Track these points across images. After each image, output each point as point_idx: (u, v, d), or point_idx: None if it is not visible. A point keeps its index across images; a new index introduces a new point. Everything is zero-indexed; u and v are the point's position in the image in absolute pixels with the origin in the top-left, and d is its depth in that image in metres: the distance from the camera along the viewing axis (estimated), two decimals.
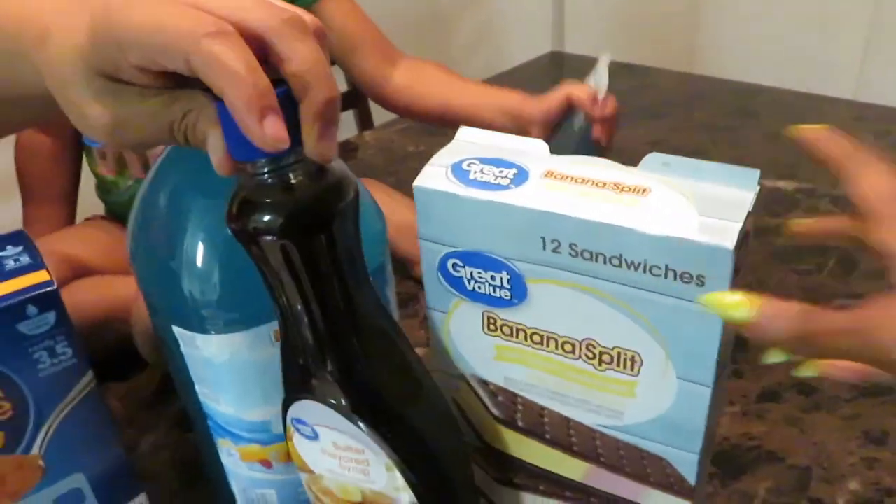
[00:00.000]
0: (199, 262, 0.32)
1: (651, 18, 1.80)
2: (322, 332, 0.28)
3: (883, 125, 0.89)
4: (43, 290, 0.31)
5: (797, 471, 0.44)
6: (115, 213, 0.70)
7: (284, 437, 0.32)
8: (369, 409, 0.29)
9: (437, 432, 0.31)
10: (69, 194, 0.74)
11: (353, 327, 0.28)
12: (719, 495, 0.43)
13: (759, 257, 0.65)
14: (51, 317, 0.31)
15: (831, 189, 0.74)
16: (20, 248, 0.33)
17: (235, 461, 0.37)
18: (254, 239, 0.25)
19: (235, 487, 0.39)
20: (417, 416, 0.30)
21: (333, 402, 0.28)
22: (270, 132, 0.22)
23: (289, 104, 0.23)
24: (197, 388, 0.35)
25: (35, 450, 0.33)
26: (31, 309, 0.31)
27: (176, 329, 0.33)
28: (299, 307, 0.27)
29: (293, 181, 0.25)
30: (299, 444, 0.32)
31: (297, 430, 0.31)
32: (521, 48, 1.55)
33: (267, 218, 0.25)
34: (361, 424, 0.28)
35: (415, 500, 0.30)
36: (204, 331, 0.33)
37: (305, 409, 0.30)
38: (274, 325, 0.32)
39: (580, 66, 1.18)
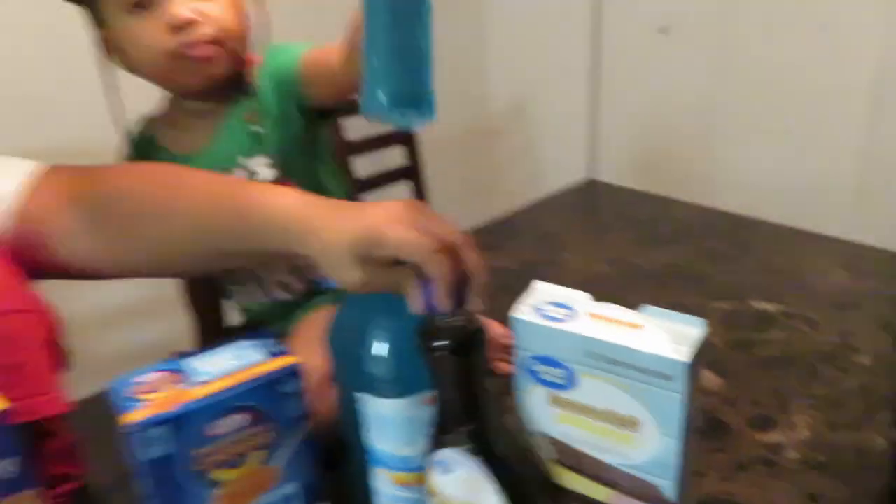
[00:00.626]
0: (380, 355, 0.54)
1: (672, 152, 2.07)
2: (461, 407, 0.50)
3: (871, 266, 1.09)
4: (292, 369, 0.54)
5: None
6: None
7: (424, 469, 0.54)
8: (486, 455, 0.50)
9: (524, 469, 0.52)
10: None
11: (478, 407, 0.50)
12: None
13: (741, 365, 0.85)
14: (297, 384, 0.54)
15: (807, 312, 0.94)
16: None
17: (386, 483, 0.58)
18: (435, 351, 0.48)
19: (381, 501, 0.59)
20: (511, 459, 0.51)
21: (468, 449, 0.50)
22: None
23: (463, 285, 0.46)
24: (369, 433, 0.57)
25: (277, 463, 0.55)
26: (288, 380, 0.53)
27: (359, 395, 0.55)
28: (451, 393, 0.49)
29: (459, 324, 0.48)
30: (437, 477, 0.53)
31: (437, 467, 0.53)
32: (555, 168, 1.82)
33: (445, 342, 0.47)
34: (482, 464, 0.50)
35: None
36: (379, 396, 0.55)
37: (446, 454, 0.51)
38: (423, 396, 0.54)
39: (615, 197, 1.43)
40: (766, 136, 1.93)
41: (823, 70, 1.80)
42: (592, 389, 0.50)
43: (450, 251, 0.47)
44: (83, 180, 0.67)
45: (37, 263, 0.66)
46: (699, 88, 2.04)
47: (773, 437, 0.73)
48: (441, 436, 0.51)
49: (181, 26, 0.71)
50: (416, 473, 0.57)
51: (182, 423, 0.49)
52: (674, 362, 0.46)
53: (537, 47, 2.27)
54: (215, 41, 0.73)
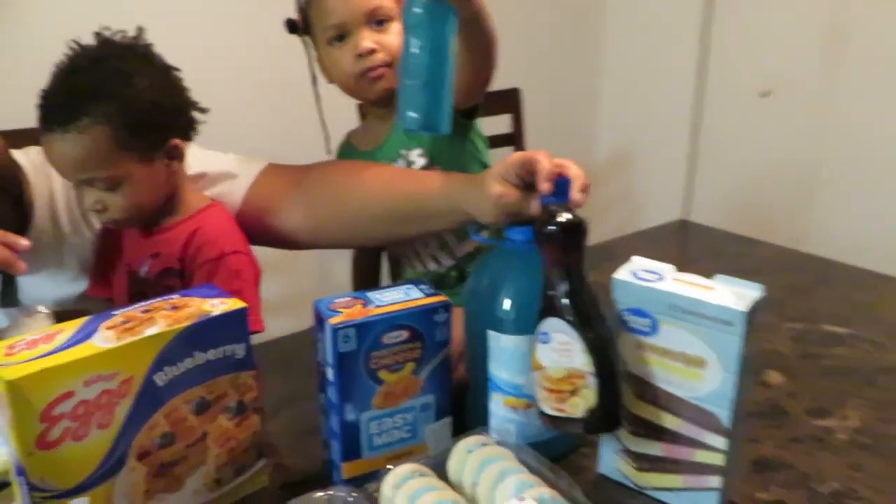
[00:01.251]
0: (508, 300, 0.72)
1: (768, 198, 2.18)
2: (565, 282, 0.66)
3: None
4: (443, 304, 0.72)
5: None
6: None
7: (532, 376, 0.70)
8: (581, 322, 0.66)
9: (609, 346, 0.68)
10: None
11: (581, 283, 0.67)
12: None
13: (807, 371, 0.97)
14: (446, 317, 0.72)
15: (874, 336, 1.05)
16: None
17: (499, 405, 0.75)
18: (547, 233, 0.66)
19: (492, 421, 0.76)
20: (601, 334, 0.67)
21: (566, 317, 0.66)
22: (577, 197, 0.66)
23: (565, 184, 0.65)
24: (490, 363, 0.74)
25: (422, 375, 0.73)
26: (439, 312, 0.72)
27: (490, 332, 0.73)
28: (557, 268, 0.66)
29: (568, 214, 0.66)
30: (540, 350, 0.69)
31: (541, 339, 0.69)
32: (653, 213, 1.95)
33: (556, 225, 0.65)
34: (576, 329, 0.66)
35: (594, 372, 0.66)
36: (503, 331, 0.72)
37: (548, 323, 0.67)
38: (533, 337, 0.71)
39: (706, 235, 1.56)
40: (857, 192, 2.03)
41: None
42: (670, 335, 0.66)
43: (543, 154, 0.69)
44: (300, 170, 0.93)
45: (253, 231, 0.89)
46: (793, 148, 2.15)
47: (826, 422, 0.85)
48: (547, 308, 0.67)
49: (363, 54, 0.96)
50: (523, 400, 0.74)
51: (365, 329, 0.69)
52: (735, 311, 0.62)
53: (644, 100, 2.44)
54: (388, 64, 0.97)
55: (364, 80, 0.97)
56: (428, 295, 0.74)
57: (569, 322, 0.66)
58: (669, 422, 0.69)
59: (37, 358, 0.59)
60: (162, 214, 0.85)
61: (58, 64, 0.79)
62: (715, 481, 0.68)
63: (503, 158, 0.75)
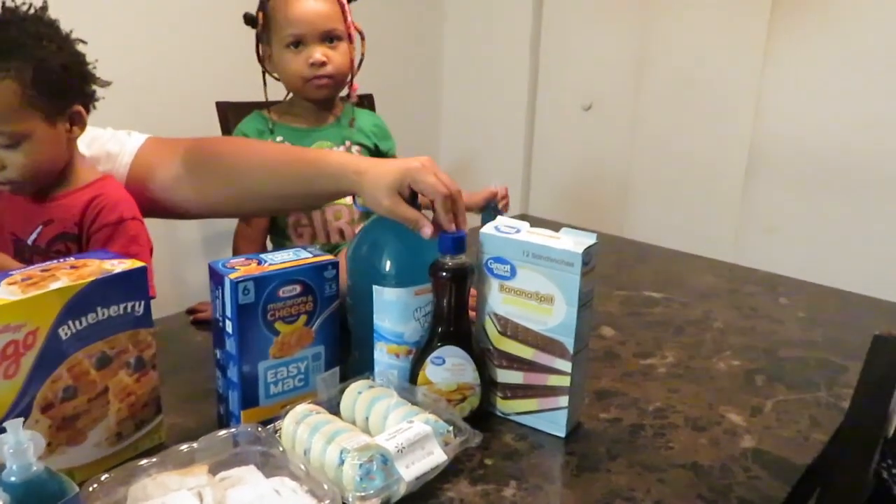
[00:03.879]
0: (390, 257, 0.82)
1: (593, 194, 2.49)
2: (451, 315, 0.79)
3: (727, 272, 1.44)
4: (332, 263, 0.81)
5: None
6: None
7: (410, 344, 0.81)
8: (466, 346, 0.79)
9: (487, 360, 0.81)
10: None
11: (463, 318, 0.80)
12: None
13: (632, 326, 1.16)
14: (334, 273, 0.81)
15: (683, 298, 1.27)
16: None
17: (383, 353, 0.85)
18: (440, 278, 0.78)
19: (377, 368, 0.85)
20: (480, 354, 0.80)
21: (457, 345, 0.79)
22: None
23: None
24: (374, 315, 0.84)
25: (314, 326, 0.81)
26: (328, 269, 0.80)
27: (375, 287, 0.83)
28: (446, 304, 0.78)
29: (458, 263, 0.79)
30: (431, 370, 0.80)
31: (432, 362, 0.80)
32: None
33: (449, 272, 0.78)
34: (465, 351, 0.79)
35: (478, 378, 0.79)
36: (386, 285, 0.82)
37: (444, 350, 0.79)
38: (415, 288, 0.82)
39: (543, 226, 1.75)
40: (661, 187, 2.38)
41: (702, 143, 2.27)
42: (525, 278, 0.79)
43: (451, 198, 0.79)
44: (190, 142, 0.97)
45: (138, 202, 0.92)
46: (611, 152, 2.47)
47: (648, 361, 1.03)
48: (436, 339, 0.80)
49: (315, 64, 1.19)
50: (405, 346, 0.84)
51: (263, 282, 0.76)
52: (574, 253, 0.76)
53: (483, 109, 2.67)
54: (331, 76, 1.21)
55: (310, 84, 1.21)
56: (316, 255, 0.82)
57: (463, 348, 0.81)
58: (526, 353, 0.82)
59: None
60: (55, 185, 0.86)
61: None
62: (564, 401, 0.82)
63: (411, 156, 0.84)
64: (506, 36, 2.58)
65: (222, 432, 0.71)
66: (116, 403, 0.74)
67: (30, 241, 0.86)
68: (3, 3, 0.82)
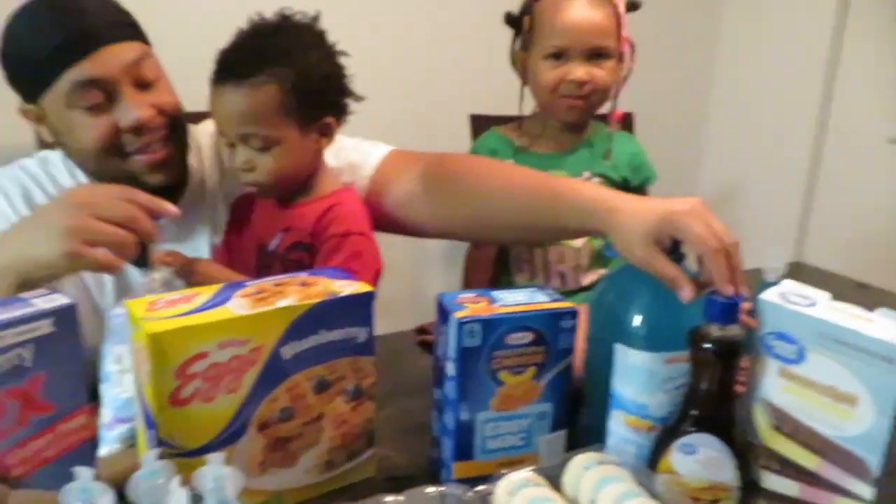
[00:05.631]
0: (641, 314, 0.69)
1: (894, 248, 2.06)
2: (711, 397, 0.64)
3: None
4: (571, 311, 0.70)
5: None
6: None
7: (654, 418, 0.67)
8: (735, 441, 0.63)
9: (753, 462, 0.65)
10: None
11: (732, 401, 0.64)
12: None
13: None
14: (572, 324, 0.70)
15: None
16: None
17: (619, 423, 0.72)
18: (703, 347, 0.63)
19: (609, 440, 0.73)
20: (746, 453, 0.64)
21: (714, 434, 0.63)
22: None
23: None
24: (613, 377, 0.71)
25: (542, 381, 0.71)
26: (566, 318, 0.70)
27: (617, 346, 0.70)
28: (706, 382, 0.63)
29: (728, 335, 0.62)
30: (676, 457, 0.66)
31: (681, 449, 0.66)
32: (760, 249, 1.86)
33: (714, 344, 0.62)
34: (724, 444, 0.63)
35: (739, 480, 0.63)
36: (632, 346, 0.69)
37: (696, 437, 0.64)
38: (667, 354, 0.68)
39: (825, 281, 1.47)
40: None
41: None
42: (818, 366, 0.62)
43: (725, 252, 0.62)
44: (431, 157, 0.92)
45: (376, 215, 0.89)
46: None
47: None
48: (688, 422, 0.65)
49: (574, 82, 1.07)
50: (647, 421, 0.71)
51: (491, 326, 0.67)
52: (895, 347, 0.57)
53: (756, 135, 2.36)
54: (586, 96, 1.09)
55: (561, 101, 1.09)
56: (554, 300, 0.72)
57: (722, 439, 0.64)
58: (809, 461, 0.64)
59: (176, 316, 0.60)
60: (298, 192, 0.86)
61: (240, 28, 0.83)
62: None
63: (677, 196, 0.69)
64: (794, 51, 2.24)
65: (430, 489, 0.64)
66: (330, 430, 0.70)
67: (271, 248, 0.87)
68: (280, 11, 0.83)
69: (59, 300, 0.53)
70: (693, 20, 2.38)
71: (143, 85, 0.84)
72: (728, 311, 0.63)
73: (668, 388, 0.69)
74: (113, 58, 0.81)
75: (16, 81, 0.84)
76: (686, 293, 0.64)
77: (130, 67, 0.82)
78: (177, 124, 0.88)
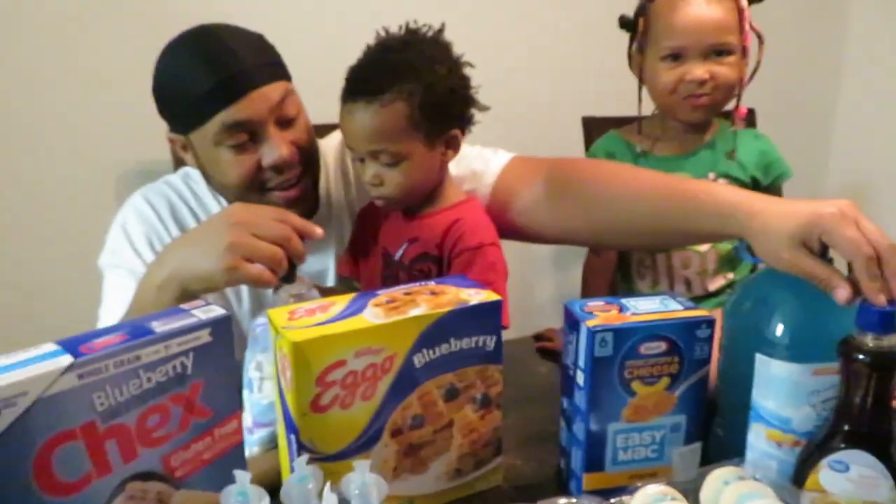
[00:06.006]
0: (785, 322, 0.66)
1: None
2: (866, 411, 0.60)
3: None
4: (708, 320, 0.67)
5: None
6: None
7: (797, 433, 0.63)
8: (883, 455, 0.59)
9: None
10: None
11: (890, 417, 0.59)
12: None
13: None
14: (708, 333, 0.67)
15: None
16: None
17: (760, 437, 0.68)
18: (856, 357, 0.58)
19: (749, 454, 0.70)
20: None
21: (870, 451, 0.59)
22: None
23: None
24: (754, 389, 0.68)
25: (676, 392, 0.68)
26: (702, 327, 0.67)
27: (758, 356, 0.67)
28: (860, 395, 0.59)
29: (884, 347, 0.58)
30: (825, 474, 0.62)
31: (831, 466, 0.62)
32: None
33: (870, 356, 0.58)
34: (881, 462, 0.59)
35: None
36: (774, 356, 0.66)
37: (849, 454, 0.60)
38: (813, 366, 0.64)
39: None
40: None
41: None
42: None
43: (880, 259, 0.58)
44: (553, 163, 0.91)
45: (497, 223, 0.89)
46: None
47: None
48: (839, 438, 0.61)
49: (694, 82, 1.04)
50: (791, 435, 0.67)
51: (623, 335, 0.66)
52: None
53: (886, 131, 2.20)
54: (711, 94, 1.05)
55: (684, 102, 1.06)
56: (687, 308, 0.69)
57: (879, 457, 0.60)
58: None
59: (316, 325, 0.62)
60: (424, 203, 0.87)
61: (369, 44, 0.85)
62: None
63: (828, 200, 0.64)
64: None
65: (562, 501, 0.63)
66: (459, 438, 0.70)
67: (396, 257, 0.88)
68: (406, 24, 0.84)
69: (215, 311, 0.56)
70: (819, 13, 2.24)
71: (284, 122, 0.87)
72: (885, 319, 0.59)
73: (814, 401, 0.65)
74: (261, 100, 0.84)
75: (166, 114, 0.88)
76: (842, 294, 0.61)
77: (275, 108, 0.85)
78: (312, 159, 0.91)
